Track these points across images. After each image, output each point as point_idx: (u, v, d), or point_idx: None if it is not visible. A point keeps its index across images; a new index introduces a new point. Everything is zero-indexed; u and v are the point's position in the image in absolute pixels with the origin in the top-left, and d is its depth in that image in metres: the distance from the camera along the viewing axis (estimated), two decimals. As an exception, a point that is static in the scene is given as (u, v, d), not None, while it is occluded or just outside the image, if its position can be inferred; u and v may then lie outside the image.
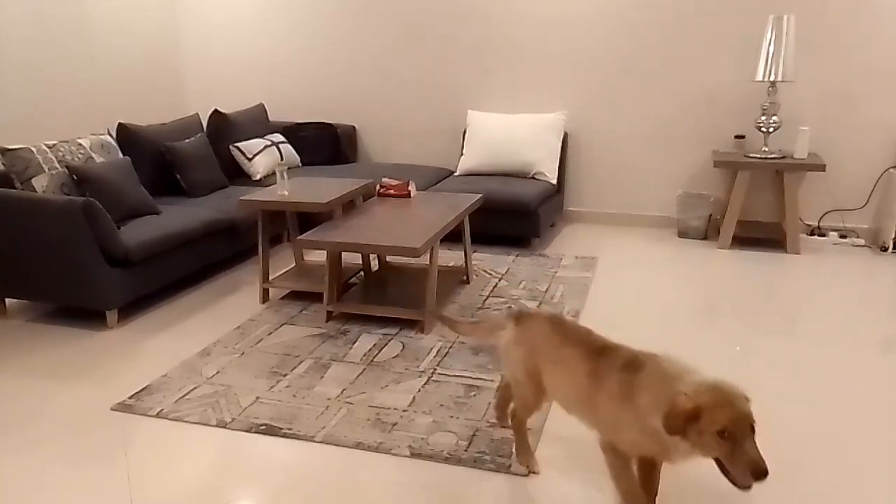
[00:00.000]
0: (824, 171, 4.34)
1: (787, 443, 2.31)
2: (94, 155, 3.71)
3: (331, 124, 5.38)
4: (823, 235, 4.78)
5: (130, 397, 2.64)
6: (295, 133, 5.32)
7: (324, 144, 5.30)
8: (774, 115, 4.43)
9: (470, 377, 2.77)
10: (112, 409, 2.57)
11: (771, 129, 4.45)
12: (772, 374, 2.81)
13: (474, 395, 2.62)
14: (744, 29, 4.64)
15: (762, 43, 4.35)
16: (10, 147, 3.38)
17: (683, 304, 3.59)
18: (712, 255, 4.44)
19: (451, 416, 2.47)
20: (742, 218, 4.83)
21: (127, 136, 4.23)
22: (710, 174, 4.94)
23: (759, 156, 4.48)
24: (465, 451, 2.25)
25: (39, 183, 3.41)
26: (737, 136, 4.74)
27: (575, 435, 2.36)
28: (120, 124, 4.25)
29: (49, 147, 3.53)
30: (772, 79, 4.32)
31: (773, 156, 4.46)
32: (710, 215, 4.79)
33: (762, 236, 4.67)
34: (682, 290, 3.81)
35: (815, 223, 4.81)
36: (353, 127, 5.57)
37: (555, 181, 4.81)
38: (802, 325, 3.34)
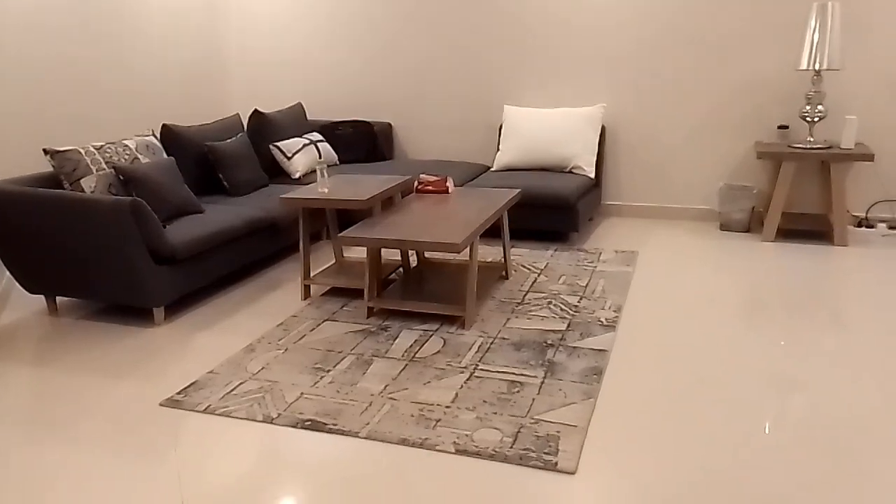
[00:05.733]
0: (872, 160, 4.23)
1: (835, 438, 2.25)
2: (139, 156, 3.79)
3: (367, 122, 5.41)
4: (872, 227, 4.66)
5: (178, 393, 2.70)
6: (332, 131, 5.37)
7: (361, 142, 5.34)
8: (819, 104, 4.33)
9: (513, 373, 2.77)
10: (161, 405, 2.62)
11: (816, 119, 4.35)
12: (819, 370, 2.75)
13: (517, 392, 2.61)
14: (786, 16, 4.54)
15: (806, 31, 4.25)
16: (60, 149, 3.47)
17: (727, 299, 3.53)
18: (756, 248, 4.36)
19: (495, 413, 2.47)
20: (787, 210, 4.74)
21: (171, 137, 4.31)
22: (752, 165, 4.85)
23: (804, 146, 4.38)
24: (511, 447, 2.25)
25: (88, 183, 3.49)
26: (780, 127, 4.64)
27: (622, 434, 2.35)
28: (164, 125, 4.34)
29: (96, 148, 3.61)
30: (816, 67, 4.21)
31: (818, 146, 4.36)
32: (754, 207, 4.70)
33: (808, 228, 4.57)
34: (726, 283, 3.75)
35: (862, 214, 4.69)
36: (390, 124, 5.59)
37: (593, 175, 4.77)
38: (850, 319, 3.26)
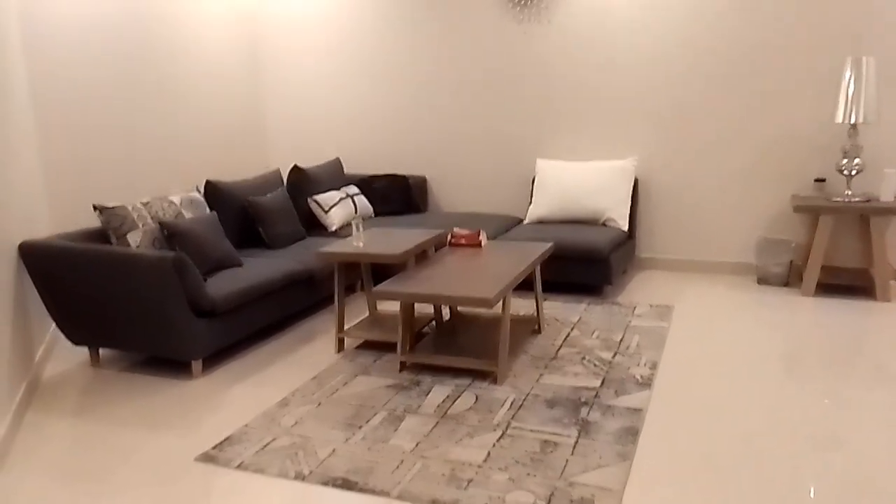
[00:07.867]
0: (914, 214, 4.15)
1: (881, 500, 2.18)
2: (183, 211, 3.92)
3: (402, 175, 5.51)
4: (916, 281, 4.54)
5: (213, 448, 2.73)
6: (369, 185, 5.48)
7: (396, 195, 5.43)
8: (857, 157, 4.29)
9: (546, 432, 2.74)
10: (195, 460, 2.66)
11: (853, 172, 4.30)
12: (864, 428, 2.66)
13: (551, 452, 2.59)
14: (821, 69, 4.54)
15: (841, 83, 4.24)
16: (108, 205, 3.61)
17: (767, 355, 3.46)
18: (795, 302, 4.28)
19: (528, 474, 2.44)
20: (826, 264, 4.66)
21: (214, 192, 4.45)
22: (790, 218, 4.80)
23: (842, 199, 4.32)
24: (543, 510, 2.22)
25: (134, 238, 3.62)
26: (817, 180, 4.59)
27: (659, 497, 2.30)
28: (207, 181, 4.48)
29: (143, 204, 3.75)
30: (852, 121, 4.19)
31: (857, 199, 4.30)
32: (792, 261, 4.63)
33: (848, 283, 4.47)
34: (765, 339, 3.68)
35: (906, 269, 4.58)
36: (424, 178, 5.69)
37: (626, 227, 4.77)
38: (895, 376, 3.17)
